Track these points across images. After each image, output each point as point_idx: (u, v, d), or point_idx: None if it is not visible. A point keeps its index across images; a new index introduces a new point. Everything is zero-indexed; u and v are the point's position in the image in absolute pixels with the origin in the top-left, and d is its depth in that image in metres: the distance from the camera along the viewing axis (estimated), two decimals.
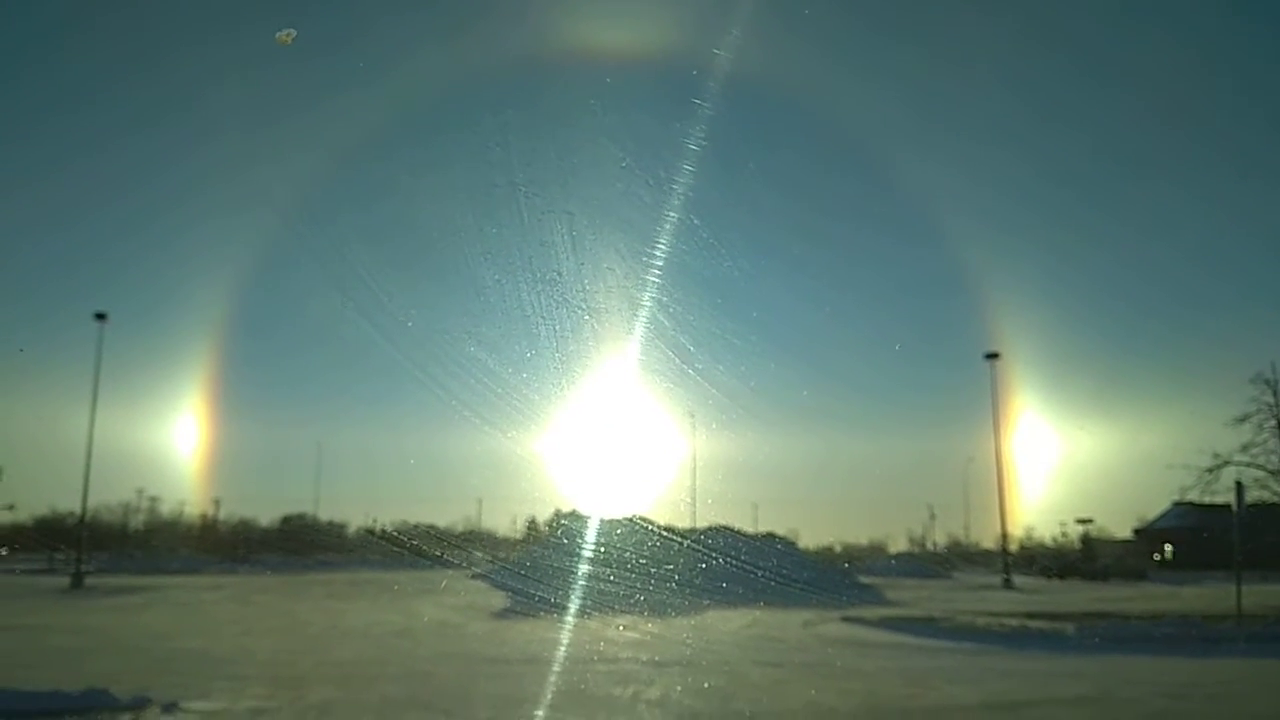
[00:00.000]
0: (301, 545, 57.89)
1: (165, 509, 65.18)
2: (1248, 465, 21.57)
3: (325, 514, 67.87)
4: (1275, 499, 21.77)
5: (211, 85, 59.65)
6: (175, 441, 57.95)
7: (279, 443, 77.10)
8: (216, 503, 63.46)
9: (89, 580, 32.36)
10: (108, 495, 61.92)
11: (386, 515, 69.12)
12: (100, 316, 38.76)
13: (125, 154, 65.27)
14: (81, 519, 39.54)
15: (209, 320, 50.91)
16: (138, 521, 64.24)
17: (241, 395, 75.87)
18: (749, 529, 39.60)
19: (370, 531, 68.33)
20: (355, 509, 76.74)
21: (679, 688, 11.25)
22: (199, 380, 51.50)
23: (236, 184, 53.86)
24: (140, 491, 63.47)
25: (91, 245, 70.65)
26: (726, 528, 28.02)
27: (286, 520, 65.06)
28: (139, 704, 9.27)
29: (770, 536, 38.28)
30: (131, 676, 10.73)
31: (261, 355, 74.91)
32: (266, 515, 66.74)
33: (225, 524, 64.20)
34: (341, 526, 68.41)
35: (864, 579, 38.00)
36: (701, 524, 25.60)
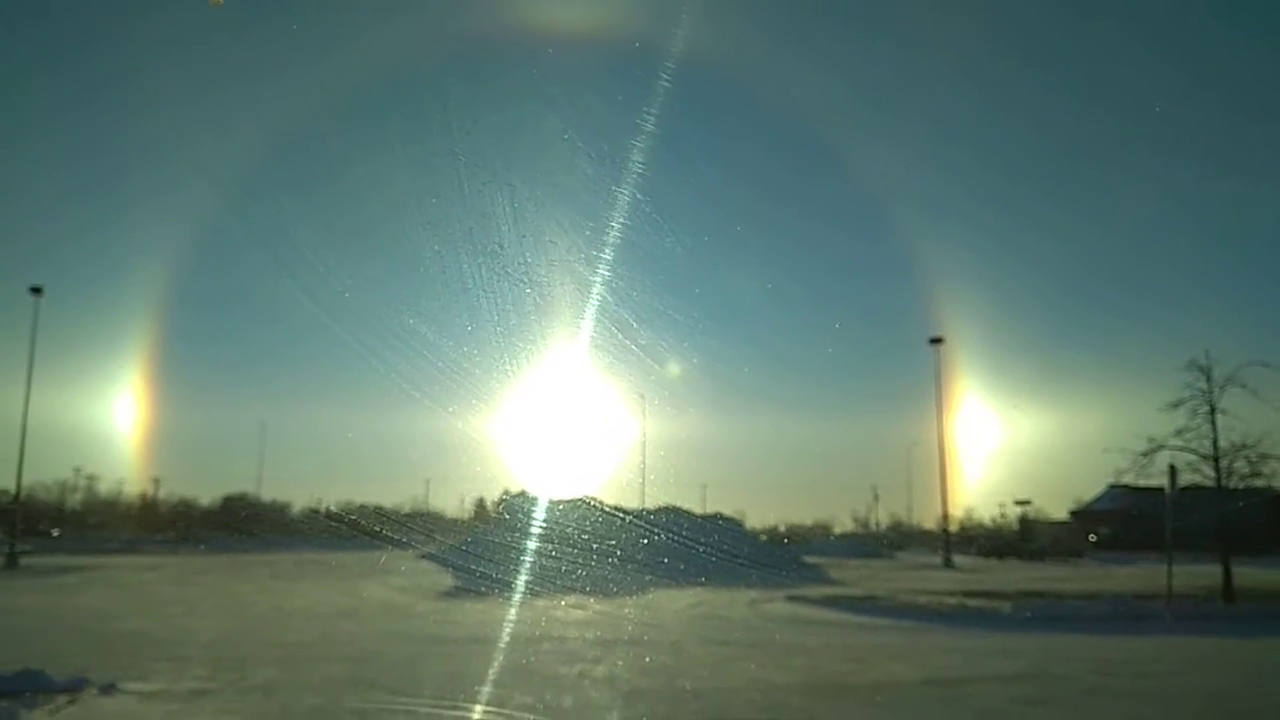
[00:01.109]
0: (244, 525, 57.10)
1: (104, 488, 63.95)
2: (1181, 449, 22.13)
3: (268, 494, 66.96)
4: (1207, 482, 22.36)
5: (152, 61, 58.31)
6: (114, 419, 56.84)
7: (221, 422, 75.97)
8: (156, 482, 62.33)
9: (24, 560, 31.64)
10: (45, 473, 60.59)
11: (332, 495, 68.29)
12: (36, 291, 37.75)
13: (64, 129, 63.60)
14: (16, 497, 38.61)
15: (149, 297, 49.86)
16: (75, 500, 62.90)
17: (183, 373, 74.67)
18: (697, 509, 39.91)
19: (315, 511, 67.54)
20: (300, 489, 75.86)
21: (625, 666, 11.33)
22: (139, 357, 50.51)
23: (177, 160, 52.80)
24: (78, 470, 62.19)
25: (28, 219, 68.77)
26: (675, 508, 28.19)
27: (228, 500, 64.09)
28: (76, 685, 9.11)
29: (718, 517, 38.59)
30: (68, 658, 10.54)
31: (203, 333, 73.33)
32: (208, 495, 65.64)
33: (165, 503, 63.10)
34: (285, 506, 67.53)
35: (809, 559, 38.50)
36: (651, 504, 25.70)
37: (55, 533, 50.19)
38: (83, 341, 74.88)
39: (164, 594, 22.07)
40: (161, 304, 48.78)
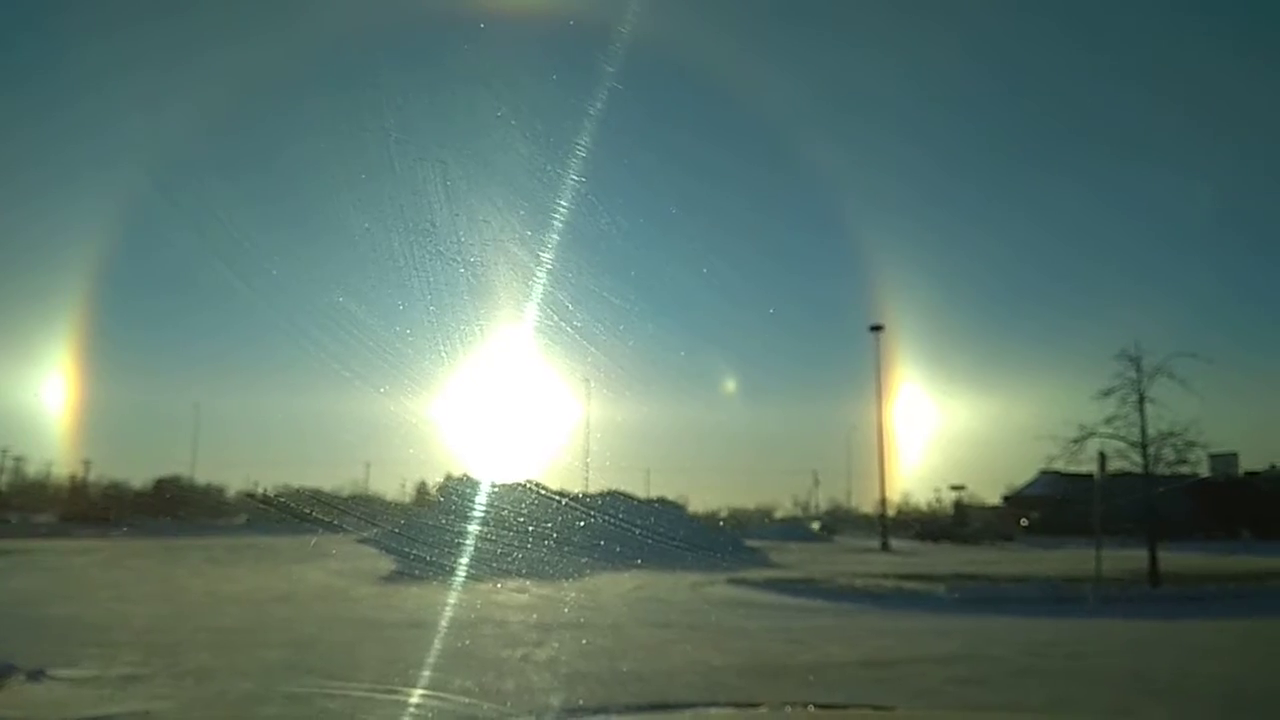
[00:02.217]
0: (177, 509, 55.95)
1: (32, 470, 62.14)
2: (1111, 437, 22.73)
3: (203, 477, 65.80)
4: (1135, 469, 23.00)
5: (79, 38, 56.57)
6: (43, 400, 55.13)
7: (154, 403, 74.29)
8: (86, 464, 60.71)
9: None
10: None
11: (269, 478, 67.15)
12: None
13: None
14: None
15: (78, 275, 48.45)
16: (1, 483, 61.08)
17: (115, 354, 72.81)
18: (641, 494, 40.01)
19: (251, 495, 66.41)
20: (235, 472, 74.53)
21: (566, 649, 11.34)
22: (69, 337, 49.05)
23: (105, 138, 51.35)
24: (4, 451, 60.32)
25: None
26: (619, 492, 28.19)
27: (161, 482, 62.67)
28: (3, 671, 8.85)
29: (661, 501, 38.72)
30: None
31: (136, 313, 71.54)
32: (140, 477, 64.20)
33: (95, 486, 61.54)
34: (220, 490, 66.27)
35: (750, 543, 38.85)
36: (594, 489, 25.62)
37: None
38: (10, 321, 72.58)
39: (94, 578, 21.55)
40: (92, 283, 47.41)
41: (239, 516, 54.91)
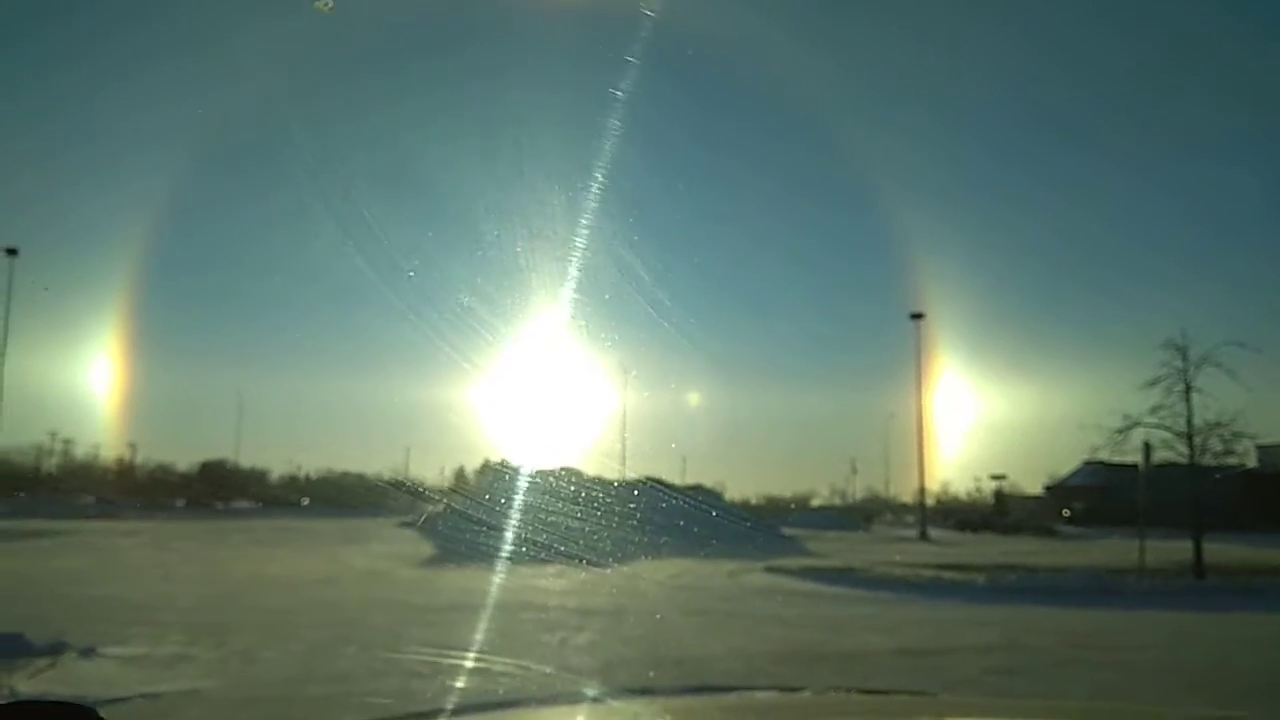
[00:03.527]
0: (222, 491, 56.98)
1: (80, 452, 63.50)
2: (1156, 427, 22.40)
3: (247, 460, 66.82)
4: (1181, 460, 22.66)
5: (135, 18, 57.37)
6: (90, 383, 56.19)
7: (199, 387, 75.41)
8: (133, 446, 61.91)
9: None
10: (19, 437, 60.06)
11: (311, 463, 68.37)
12: (11, 252, 37.36)
13: (38, 86, 62.39)
14: None
15: (126, 259, 49.28)
16: (50, 465, 62.46)
17: (161, 337, 74.11)
18: (677, 481, 40.08)
19: (294, 478, 67.57)
20: (278, 456, 75.47)
21: (605, 634, 11.44)
22: (115, 320, 49.94)
23: (154, 119, 52.07)
24: (53, 434, 61.65)
25: (1, 178, 67.72)
26: (655, 480, 28.24)
27: (206, 465, 63.81)
28: (56, 649, 9.11)
29: (698, 488, 38.75)
30: (46, 622, 10.53)
31: (182, 296, 72.62)
32: (185, 460, 65.40)
33: (142, 468, 62.76)
34: (264, 473, 67.48)
35: (787, 530, 38.81)
36: (631, 476, 25.76)
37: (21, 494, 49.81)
38: (58, 304, 74.00)
39: (141, 559, 22.05)
40: (139, 266, 48.23)
41: (282, 499, 55.76)
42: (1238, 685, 9.26)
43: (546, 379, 13.23)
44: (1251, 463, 44.50)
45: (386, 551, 23.59)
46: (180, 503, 52.03)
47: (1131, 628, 13.83)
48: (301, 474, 67.93)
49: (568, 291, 10.28)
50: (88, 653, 9.14)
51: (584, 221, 9.42)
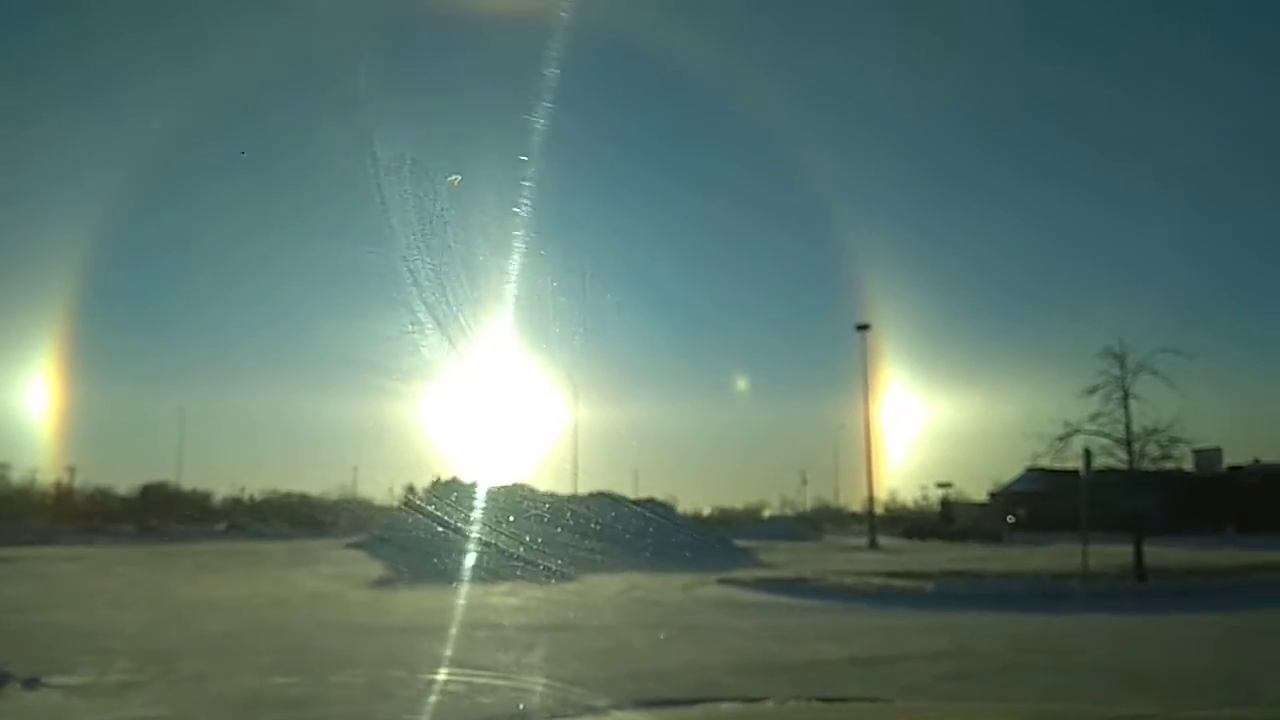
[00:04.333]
0: (163, 515, 55.71)
1: (16, 477, 61.71)
2: (1096, 434, 22.91)
3: (189, 483, 65.50)
4: (1120, 465, 23.19)
5: (70, 47, 56.22)
6: (27, 406, 54.89)
7: (139, 408, 74.04)
8: (71, 470, 60.46)
9: None
10: None
11: (256, 484, 67.19)
12: None
13: None
14: None
15: (63, 280, 48.26)
16: None
17: (98, 359, 72.59)
18: (630, 494, 40.07)
19: (238, 501, 66.27)
20: (222, 478, 73.96)
21: (561, 651, 11.40)
22: (52, 342, 48.86)
23: (93, 141, 51.08)
24: None
25: None
26: (607, 494, 28.24)
27: (147, 489, 62.36)
28: None
29: (650, 502, 38.77)
30: None
31: (120, 318, 71.39)
32: (125, 484, 63.85)
33: (81, 492, 61.21)
34: (206, 496, 66.09)
35: (739, 542, 38.95)
36: (584, 490, 25.72)
37: None
38: None
39: (84, 585, 21.50)
40: (75, 289, 47.26)
41: (221, 523, 54.72)
42: (1182, 685, 9.50)
43: (496, 394, 13.19)
44: (1189, 467, 45.77)
45: (335, 573, 23.27)
46: (127, 528, 50.68)
47: (1077, 631, 14.11)
48: (245, 495, 66.71)
49: (514, 307, 10.27)
50: (32, 683, 8.89)
51: (529, 239, 9.42)
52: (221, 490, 67.01)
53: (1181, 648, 12.54)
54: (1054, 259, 79.39)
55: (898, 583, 21.04)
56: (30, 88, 59.21)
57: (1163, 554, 25.71)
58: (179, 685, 9.15)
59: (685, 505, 55.04)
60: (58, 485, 60.65)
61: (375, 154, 9.25)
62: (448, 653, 11.08)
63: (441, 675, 9.37)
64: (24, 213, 67.80)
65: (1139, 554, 22.23)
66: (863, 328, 52.41)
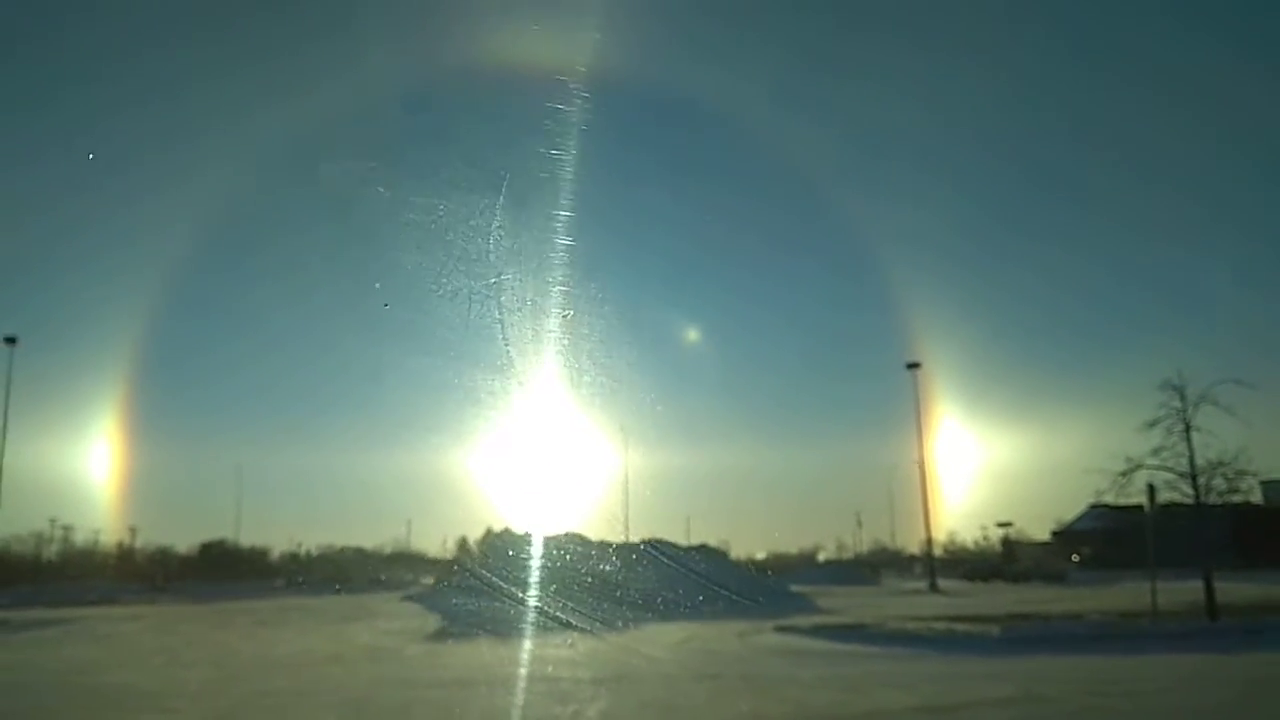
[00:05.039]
0: (223, 572, 56.41)
1: (80, 538, 62.95)
2: (1159, 468, 22.38)
3: (247, 539, 66.24)
4: (1185, 499, 22.61)
5: (124, 111, 58.34)
6: (89, 468, 56.10)
7: (198, 467, 75.11)
8: (133, 530, 61.50)
9: None
10: (19, 525, 59.60)
11: (312, 539, 67.81)
12: (10, 340, 37.51)
13: (34, 174, 63.19)
14: None
15: (123, 344, 49.52)
16: (51, 552, 61.88)
17: (158, 420, 73.84)
18: (682, 541, 39.85)
19: (295, 556, 66.90)
20: (279, 533, 74.78)
21: (619, 703, 11.30)
22: (113, 405, 50.04)
23: (150, 207, 52.75)
24: (53, 521, 61.21)
25: (1, 268, 68.18)
26: (660, 541, 28.11)
27: (206, 547, 63.25)
28: None
29: (703, 548, 38.52)
30: (56, 713, 10.41)
31: (179, 378, 72.86)
32: (185, 542, 64.77)
33: (142, 552, 62.20)
34: (264, 552, 66.79)
35: (795, 587, 38.47)
36: (635, 538, 25.64)
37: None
38: (57, 391, 74.22)
39: (146, 644, 21.78)
40: (136, 351, 48.46)
41: (284, 577, 55.21)
42: None
43: (547, 445, 13.26)
44: (1258, 499, 44.44)
45: (391, 628, 23.33)
46: (180, 594, 51.36)
47: (1150, 673, 13.68)
48: (302, 550, 67.31)
49: (566, 356, 10.37)
50: None
51: (572, 292, 9.54)
52: (279, 546, 67.72)
53: (1260, 688, 12.11)
54: (1108, 291, 77.97)
55: (961, 627, 20.58)
56: (88, 145, 61.22)
57: (1233, 590, 24.91)
58: None
59: (738, 550, 54.46)
60: (120, 545, 61.73)
61: (425, 217, 9.44)
62: (509, 706, 11.04)
63: None
64: (85, 279, 69.87)
65: (1209, 591, 21.56)
66: (913, 365, 51.90)
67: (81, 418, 61.34)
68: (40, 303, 70.22)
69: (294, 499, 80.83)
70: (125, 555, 60.97)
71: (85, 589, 45.62)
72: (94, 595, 42.99)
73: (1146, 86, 64.54)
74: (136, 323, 48.29)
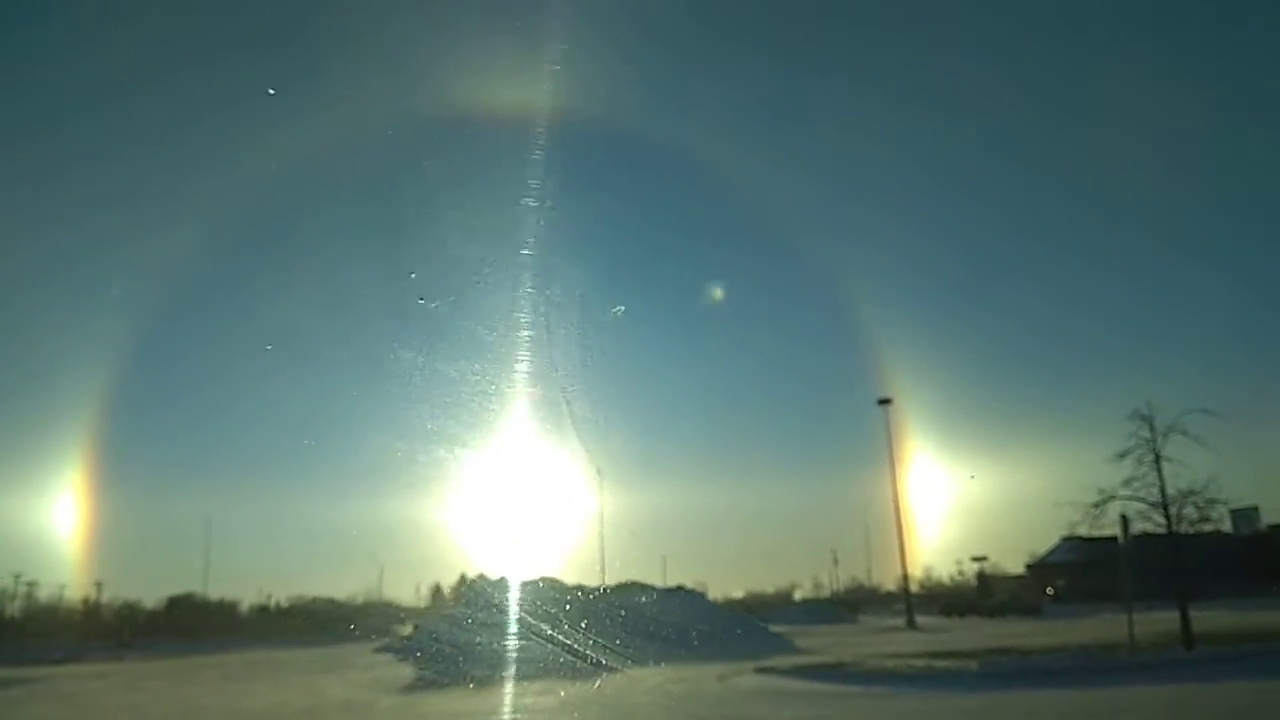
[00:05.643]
0: (191, 626, 55.23)
1: (44, 594, 61.45)
2: (1131, 499, 22.53)
3: (215, 592, 64.92)
4: (1158, 529, 22.74)
5: (89, 160, 58.11)
6: (54, 522, 55.04)
7: (165, 519, 73.79)
8: (98, 585, 60.16)
9: None
10: None
11: (282, 590, 66.59)
12: None
13: None
14: None
15: (88, 396, 48.83)
16: (14, 609, 60.35)
17: (124, 473, 72.62)
18: (659, 582, 39.55)
19: (264, 608, 65.66)
20: (248, 585, 73.44)
21: None
22: (78, 458, 49.21)
23: (114, 258, 52.35)
24: (17, 577, 59.76)
25: None
26: (636, 583, 27.92)
27: (173, 601, 61.94)
28: None
29: (680, 589, 38.23)
30: None
31: (144, 431, 71.79)
32: (152, 596, 63.42)
33: (109, 607, 60.80)
34: (233, 605, 65.46)
35: (773, 627, 38.20)
36: (612, 580, 25.43)
37: None
38: (20, 443, 72.78)
39: (113, 702, 21.20)
40: (101, 402, 47.78)
41: (253, 630, 54.18)
42: None
43: (522, 489, 13.15)
44: (1228, 528, 44.81)
45: (364, 679, 22.89)
46: (147, 650, 50.29)
47: (1130, 705, 13.66)
48: (272, 602, 66.10)
49: (538, 400, 10.33)
50: None
51: (541, 335, 9.53)
52: (248, 597, 66.46)
53: (1238, 717, 12.11)
54: (1074, 325, 78.95)
55: (940, 663, 20.49)
56: (49, 197, 60.72)
57: (1210, 618, 25.02)
58: None
59: (715, 591, 54.16)
60: (85, 601, 60.35)
61: (391, 263, 9.41)
62: None
63: None
64: (47, 329, 68.94)
65: (1185, 621, 21.64)
66: (884, 402, 52.16)
67: (45, 471, 60.20)
68: (1, 354, 69.35)
69: (263, 550, 79.53)
70: (91, 611, 59.55)
71: (50, 647, 44.48)
72: (59, 653, 41.89)
73: (1106, 124, 66.02)
74: (100, 375, 47.67)
